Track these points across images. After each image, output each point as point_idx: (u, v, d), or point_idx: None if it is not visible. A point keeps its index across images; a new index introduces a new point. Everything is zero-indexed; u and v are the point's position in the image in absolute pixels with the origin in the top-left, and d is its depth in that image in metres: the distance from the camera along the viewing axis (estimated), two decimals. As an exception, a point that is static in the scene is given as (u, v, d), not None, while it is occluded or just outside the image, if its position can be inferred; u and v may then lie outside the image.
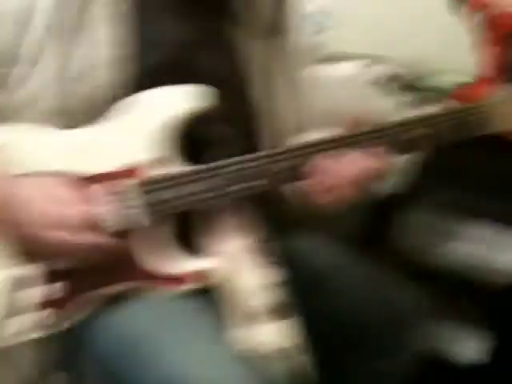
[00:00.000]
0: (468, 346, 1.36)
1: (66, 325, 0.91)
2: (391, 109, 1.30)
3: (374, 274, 1.04)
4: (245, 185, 0.86)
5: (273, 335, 0.86)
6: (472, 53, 1.27)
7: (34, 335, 0.92)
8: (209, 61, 0.93)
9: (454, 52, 1.38)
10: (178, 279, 0.87)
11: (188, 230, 0.91)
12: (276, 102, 1.01)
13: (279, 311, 0.88)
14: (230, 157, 0.87)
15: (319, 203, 0.91)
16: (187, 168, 0.87)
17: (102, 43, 0.85)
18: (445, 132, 0.93)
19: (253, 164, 0.86)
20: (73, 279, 0.88)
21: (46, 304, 0.90)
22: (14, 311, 0.88)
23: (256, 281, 0.89)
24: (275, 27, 0.99)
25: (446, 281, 1.32)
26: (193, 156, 0.89)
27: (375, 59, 1.44)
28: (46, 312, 0.90)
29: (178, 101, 0.87)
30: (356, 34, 1.36)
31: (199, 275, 0.88)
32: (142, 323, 0.84)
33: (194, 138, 0.89)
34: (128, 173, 0.85)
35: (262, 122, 0.99)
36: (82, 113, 0.85)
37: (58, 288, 0.89)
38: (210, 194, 0.85)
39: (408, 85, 1.37)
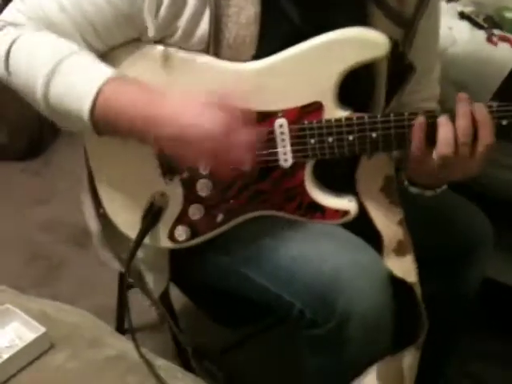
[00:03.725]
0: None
1: (196, 242, 1.00)
2: (480, 41, 1.31)
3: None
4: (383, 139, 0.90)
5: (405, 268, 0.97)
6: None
7: (167, 245, 1.01)
8: None
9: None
10: (321, 213, 0.96)
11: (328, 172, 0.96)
12: None
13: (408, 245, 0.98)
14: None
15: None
16: (343, 117, 0.90)
17: None
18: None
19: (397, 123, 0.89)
20: (212, 204, 0.97)
21: (183, 221, 0.99)
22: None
23: (389, 218, 0.99)
24: (413, 21, 0.98)
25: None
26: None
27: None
28: (182, 228, 0.99)
29: (357, 47, 0.89)
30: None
31: (341, 214, 0.96)
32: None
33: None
34: (291, 114, 0.91)
35: None
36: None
37: (196, 209, 0.98)
38: (359, 148, 0.90)
39: (487, 17, 1.41)
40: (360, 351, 0.92)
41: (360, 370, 0.93)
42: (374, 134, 0.89)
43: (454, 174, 0.90)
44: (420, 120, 0.86)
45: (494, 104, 0.85)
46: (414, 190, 0.99)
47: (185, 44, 0.90)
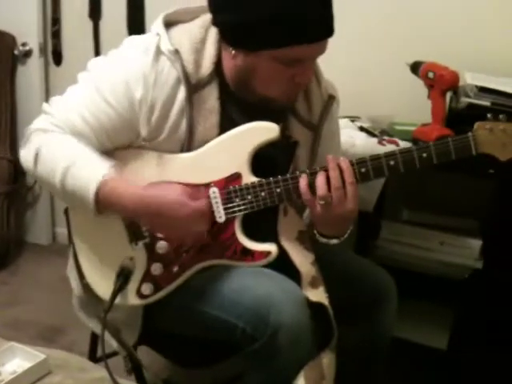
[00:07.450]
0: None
1: (159, 296, 1.27)
2: (373, 144, 1.77)
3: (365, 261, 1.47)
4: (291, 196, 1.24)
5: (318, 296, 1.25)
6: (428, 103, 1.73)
7: (136, 303, 1.27)
8: None
9: (414, 102, 1.81)
10: (251, 256, 1.26)
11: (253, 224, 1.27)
12: None
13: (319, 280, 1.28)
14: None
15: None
16: (256, 181, 1.23)
17: None
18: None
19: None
20: (169, 260, 1.26)
21: (147, 278, 1.27)
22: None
23: (304, 259, 1.30)
24: (318, 126, 1.35)
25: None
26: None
27: (353, 118, 1.96)
28: (147, 285, 1.26)
29: (259, 133, 1.24)
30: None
31: (266, 254, 1.26)
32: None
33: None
34: (220, 183, 1.24)
35: None
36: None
37: (157, 266, 1.26)
38: (270, 200, 1.23)
39: (382, 130, 1.88)
40: (289, 359, 1.17)
41: (292, 378, 1.18)
42: (278, 190, 1.23)
43: (337, 211, 1.19)
44: (304, 174, 1.21)
45: (354, 159, 1.21)
46: (322, 239, 1.31)
47: (167, 144, 1.24)
